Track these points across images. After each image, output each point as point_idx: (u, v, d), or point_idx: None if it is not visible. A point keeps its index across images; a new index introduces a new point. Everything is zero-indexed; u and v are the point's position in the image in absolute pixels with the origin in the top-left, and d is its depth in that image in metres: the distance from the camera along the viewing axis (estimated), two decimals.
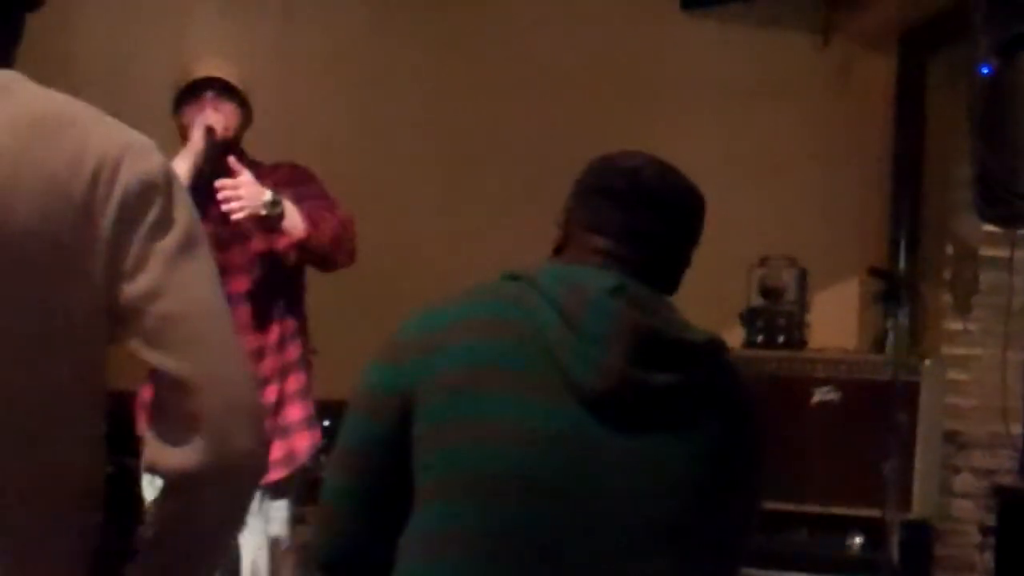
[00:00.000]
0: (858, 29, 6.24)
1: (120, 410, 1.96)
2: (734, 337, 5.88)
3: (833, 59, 6.35)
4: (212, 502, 1.90)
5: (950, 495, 5.72)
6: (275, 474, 4.17)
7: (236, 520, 1.98)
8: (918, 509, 5.41)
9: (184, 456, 1.84)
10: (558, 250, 2.38)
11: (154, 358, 1.84)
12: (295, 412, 4.30)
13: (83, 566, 1.89)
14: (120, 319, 1.85)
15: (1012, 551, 4.79)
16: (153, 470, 1.87)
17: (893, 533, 4.97)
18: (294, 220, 4.10)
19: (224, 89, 4.24)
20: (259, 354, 4.22)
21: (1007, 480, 5.33)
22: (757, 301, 6.00)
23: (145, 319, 1.84)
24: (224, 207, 4.03)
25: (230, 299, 4.17)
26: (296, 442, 4.28)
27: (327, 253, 4.20)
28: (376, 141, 6.11)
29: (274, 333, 4.26)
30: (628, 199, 2.32)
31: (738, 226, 5.73)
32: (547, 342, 2.19)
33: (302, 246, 4.13)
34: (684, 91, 6.35)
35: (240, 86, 4.27)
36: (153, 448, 1.87)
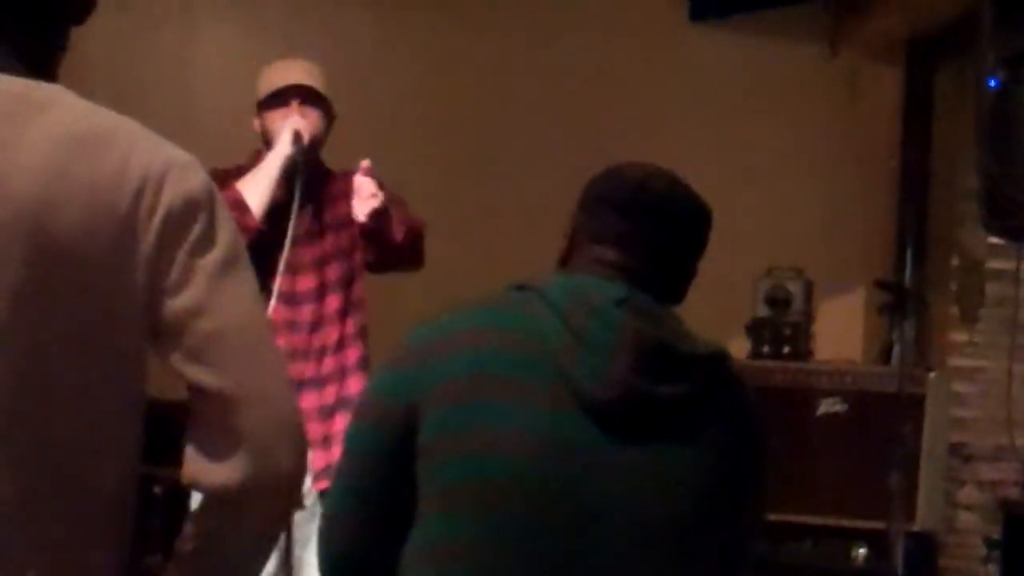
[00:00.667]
0: (865, 40, 6.25)
1: (168, 421, 1.96)
2: (740, 348, 5.88)
3: (840, 70, 6.36)
4: (252, 518, 1.90)
5: (955, 507, 5.71)
6: (325, 483, 4.14)
7: (274, 536, 1.98)
8: (923, 521, 5.41)
9: (226, 472, 1.85)
10: (564, 260, 2.38)
11: (196, 374, 1.85)
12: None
13: None
14: (162, 335, 1.85)
15: (1017, 564, 4.79)
16: (194, 485, 1.87)
17: (898, 545, 4.97)
18: (392, 225, 4.20)
19: (310, 96, 4.27)
20: (320, 353, 4.26)
21: (1012, 493, 5.33)
22: (763, 312, 6.01)
23: (187, 336, 1.84)
24: (361, 208, 4.10)
25: (295, 297, 4.19)
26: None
27: (410, 257, 4.32)
28: (380, 149, 6.09)
29: (335, 333, 4.28)
30: (634, 210, 2.32)
31: (744, 237, 5.74)
32: (553, 352, 2.20)
33: (395, 249, 4.22)
34: (692, 101, 6.36)
35: (326, 93, 4.30)
36: (194, 463, 1.87)
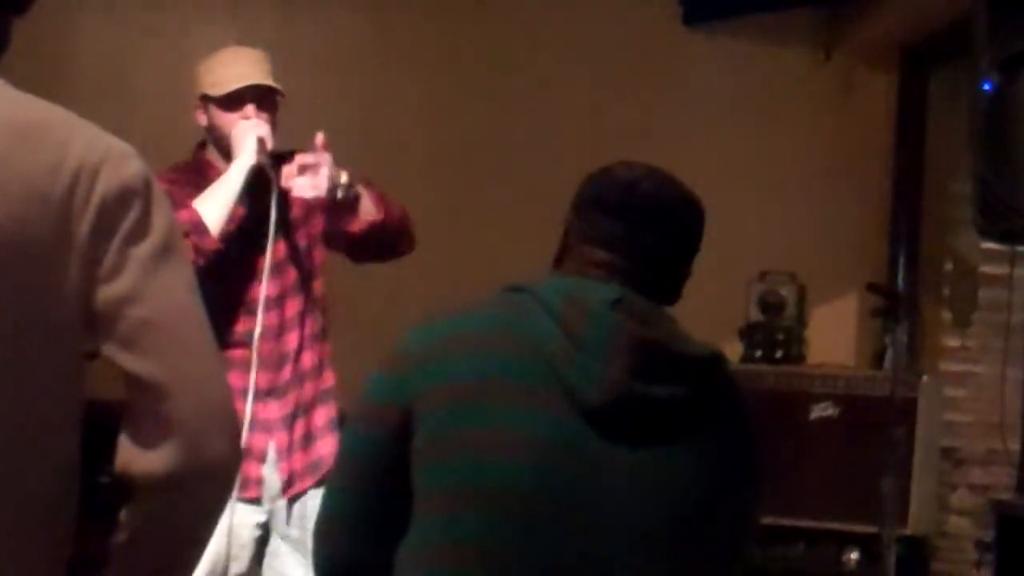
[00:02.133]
0: (859, 45, 6.25)
1: (108, 419, 1.95)
2: (733, 352, 5.88)
3: (834, 75, 6.36)
4: (185, 507, 1.89)
5: (947, 511, 5.71)
6: (303, 484, 4.10)
7: (209, 526, 1.96)
8: (915, 525, 5.41)
9: (157, 460, 1.84)
10: (558, 261, 2.38)
11: (128, 362, 1.85)
12: (323, 415, 4.18)
13: (58, 574, 1.89)
14: (96, 324, 1.85)
15: (1009, 568, 4.79)
16: (126, 473, 1.87)
17: (890, 549, 4.96)
18: (366, 202, 4.03)
19: (265, 94, 4.11)
20: (281, 361, 4.12)
21: (1004, 496, 5.32)
22: (756, 316, 6.01)
23: (120, 324, 1.84)
24: (299, 189, 3.96)
25: (285, 295, 4.03)
26: (321, 449, 4.14)
27: (397, 236, 4.15)
28: (376, 149, 6.10)
29: (313, 325, 4.16)
30: (627, 211, 2.32)
31: (737, 241, 5.74)
32: (548, 354, 2.20)
33: (377, 228, 4.05)
34: (685, 105, 6.35)
35: (280, 89, 4.13)
36: (126, 452, 1.86)
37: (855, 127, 6.33)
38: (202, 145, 4.21)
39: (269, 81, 4.10)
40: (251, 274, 4.03)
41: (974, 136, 4.26)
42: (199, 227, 3.90)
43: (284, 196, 4.07)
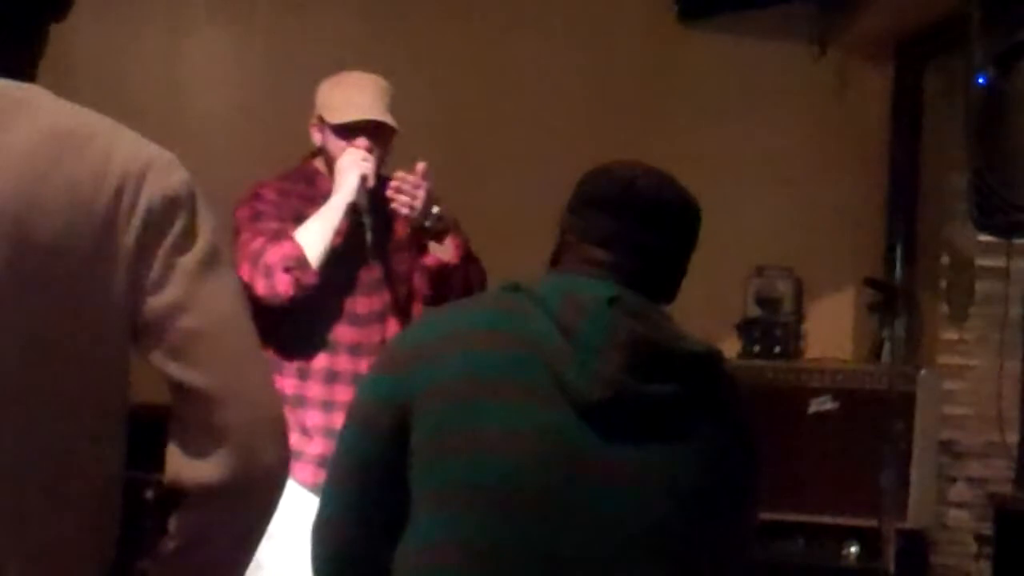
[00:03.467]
0: (854, 39, 6.25)
1: (159, 425, 1.95)
2: (730, 347, 5.89)
3: (829, 69, 6.36)
4: (235, 516, 1.90)
5: (946, 504, 5.72)
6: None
7: (258, 535, 1.97)
8: (914, 519, 5.41)
9: (209, 469, 1.85)
10: (554, 260, 2.38)
11: (177, 372, 1.85)
12: None
13: None
14: (143, 334, 1.86)
15: (1008, 561, 4.80)
16: (177, 483, 1.87)
17: (889, 543, 4.97)
18: (447, 242, 4.14)
19: (379, 129, 4.13)
20: None
21: (1003, 490, 5.33)
22: (753, 311, 6.01)
23: (168, 333, 1.85)
24: (395, 204, 4.05)
25: (358, 318, 4.04)
26: None
27: (452, 290, 4.17)
28: None
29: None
30: (623, 209, 2.32)
31: (734, 236, 5.74)
32: (545, 352, 2.20)
33: (445, 271, 4.15)
34: (681, 101, 6.36)
35: (395, 126, 4.16)
36: (177, 462, 1.87)
37: (851, 122, 6.33)
38: (311, 156, 4.26)
39: (385, 118, 4.13)
40: (350, 291, 4.10)
41: (969, 130, 4.26)
42: (301, 261, 3.95)
43: (384, 232, 4.15)
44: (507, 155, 6.28)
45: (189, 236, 1.87)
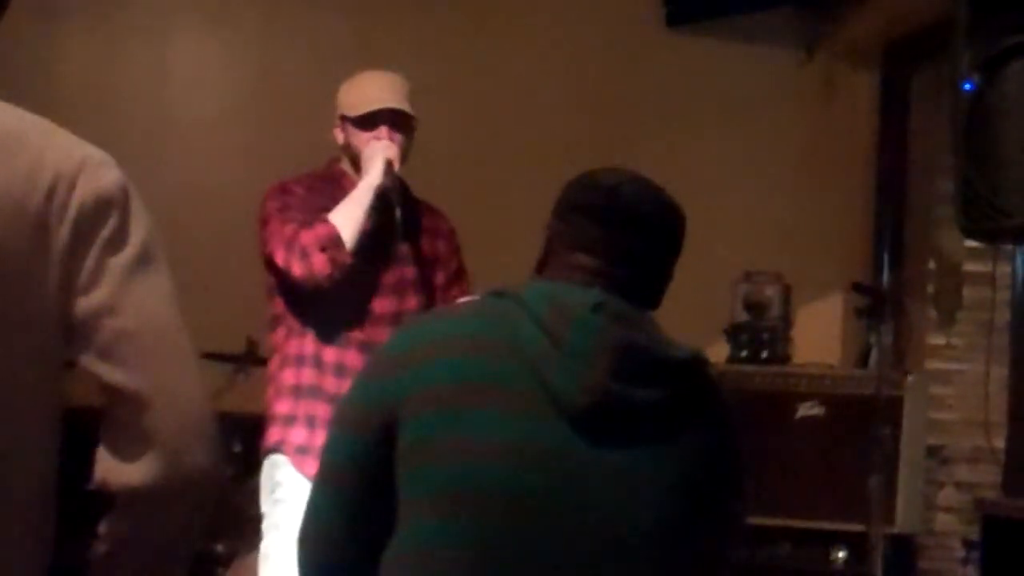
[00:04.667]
0: (842, 44, 6.26)
1: (88, 426, 1.94)
2: (718, 352, 5.89)
3: (817, 74, 6.38)
4: (165, 519, 1.88)
5: (933, 509, 5.73)
6: None
7: (190, 536, 1.95)
8: (902, 523, 5.42)
9: (137, 472, 1.83)
10: (540, 267, 2.38)
11: (107, 373, 1.83)
12: None
13: None
14: (75, 335, 1.83)
15: (995, 565, 4.80)
16: (105, 486, 1.85)
17: (877, 547, 4.98)
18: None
19: (400, 117, 4.20)
20: None
21: (990, 494, 5.33)
22: (741, 316, 6.02)
23: (99, 334, 1.82)
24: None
25: (403, 315, 4.07)
26: None
27: None
28: None
29: None
30: (608, 216, 2.32)
31: (722, 241, 5.75)
32: (531, 358, 2.20)
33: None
34: (669, 106, 6.37)
35: (412, 111, 4.22)
36: (105, 464, 1.85)
37: (838, 126, 6.35)
38: (336, 159, 4.30)
39: (404, 107, 4.19)
40: (372, 288, 4.13)
41: (956, 136, 4.27)
42: (336, 240, 3.99)
43: (410, 220, 4.20)
44: (494, 160, 6.29)
45: (121, 236, 1.84)
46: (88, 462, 1.89)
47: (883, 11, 5.80)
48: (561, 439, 2.18)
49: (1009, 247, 5.11)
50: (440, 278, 4.30)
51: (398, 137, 4.17)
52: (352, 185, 4.15)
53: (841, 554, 5.48)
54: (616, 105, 6.32)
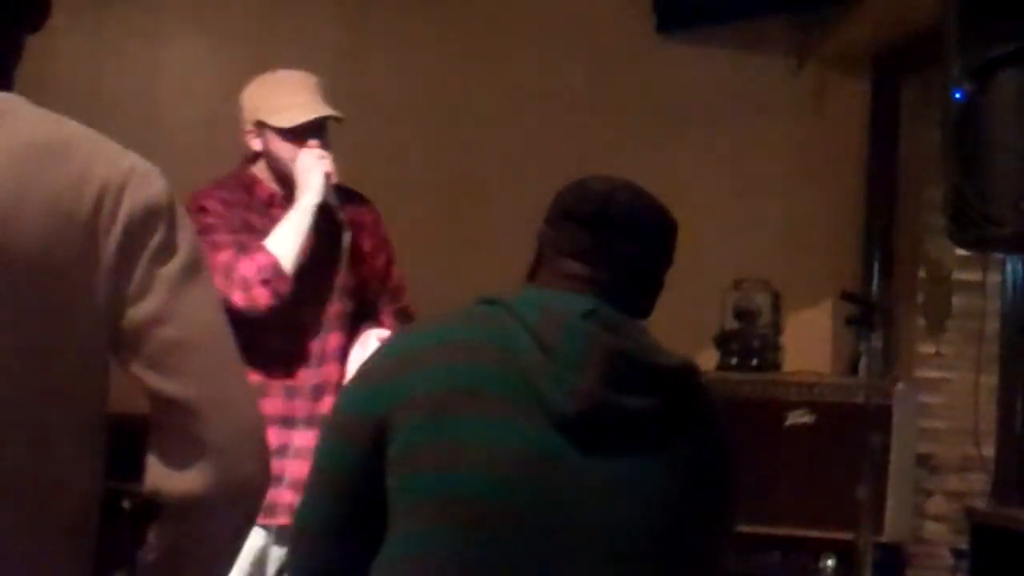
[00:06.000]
0: (832, 52, 6.27)
1: (137, 435, 1.94)
2: (708, 360, 5.89)
3: (807, 82, 6.38)
4: (215, 527, 1.90)
5: (923, 518, 5.73)
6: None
7: (238, 545, 1.97)
8: (891, 532, 5.42)
9: (189, 481, 1.85)
10: (532, 274, 2.38)
11: (157, 382, 1.85)
12: None
13: None
14: (123, 344, 1.85)
15: (984, 574, 4.80)
16: (157, 494, 1.87)
17: (866, 556, 4.98)
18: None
19: (322, 124, 4.06)
20: (340, 379, 4.07)
21: (979, 503, 5.34)
22: (731, 324, 6.01)
23: (148, 344, 1.84)
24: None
25: (328, 324, 4.00)
26: None
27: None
28: (352, 166, 6.10)
29: (336, 373, 4.11)
30: (599, 223, 2.32)
31: (712, 249, 5.75)
32: (522, 366, 2.20)
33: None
34: (659, 114, 6.36)
35: (342, 117, 4.09)
36: (156, 473, 1.87)
37: (828, 135, 6.35)
38: (248, 161, 4.16)
39: (335, 112, 4.07)
40: (301, 300, 3.99)
41: (946, 145, 4.27)
42: (277, 271, 3.89)
43: (349, 230, 4.08)
44: (481, 167, 6.28)
45: (169, 246, 1.86)
46: (129, 470, 1.90)
47: (874, 19, 5.80)
48: (551, 447, 2.18)
49: (999, 256, 5.11)
50: (364, 271, 4.17)
51: (327, 144, 4.05)
52: (265, 191, 4.06)
53: (830, 562, 5.48)
54: (606, 112, 6.31)
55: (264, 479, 1.93)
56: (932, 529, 5.73)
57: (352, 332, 4.15)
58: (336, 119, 4.08)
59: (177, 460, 1.85)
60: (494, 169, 6.26)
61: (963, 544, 5.28)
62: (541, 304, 2.25)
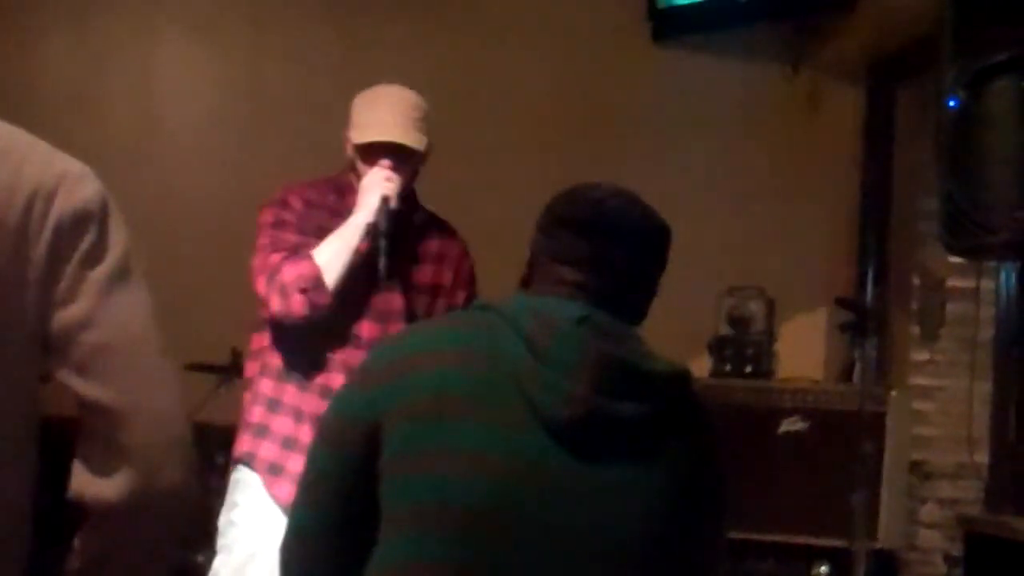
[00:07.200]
0: (827, 60, 6.28)
1: (61, 438, 1.93)
2: (702, 366, 5.90)
3: (802, 90, 6.39)
4: (138, 534, 1.87)
5: (916, 525, 5.73)
6: None
7: (164, 553, 1.94)
8: (884, 539, 5.42)
9: (112, 487, 1.82)
10: (525, 281, 2.38)
11: (83, 387, 1.82)
12: None
13: None
14: (52, 348, 1.83)
15: None
16: (80, 500, 1.84)
17: (860, 563, 4.98)
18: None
19: (403, 149, 3.99)
20: None
21: (972, 510, 5.35)
22: (725, 330, 6.02)
23: (76, 348, 1.82)
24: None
25: (362, 342, 3.96)
26: None
27: None
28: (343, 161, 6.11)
29: None
30: (593, 230, 2.32)
31: (707, 255, 5.76)
32: (515, 372, 2.20)
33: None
34: (654, 121, 6.37)
35: (421, 146, 4.03)
36: (80, 478, 1.84)
37: (823, 142, 6.36)
38: (349, 166, 4.11)
39: (406, 140, 4.00)
40: (358, 312, 3.96)
41: (940, 152, 4.28)
42: (317, 283, 3.85)
43: (408, 248, 4.03)
44: (476, 174, 6.28)
45: (99, 250, 1.84)
46: (66, 474, 1.89)
47: (868, 27, 5.81)
48: (543, 452, 2.18)
49: (993, 263, 5.12)
50: (440, 307, 4.09)
51: (402, 172, 3.99)
52: (355, 201, 3.99)
53: (824, 569, 5.49)
54: (601, 120, 6.32)
55: (188, 487, 1.90)
56: (925, 536, 5.73)
57: None
58: (409, 149, 4.01)
59: (101, 466, 1.83)
60: (487, 176, 6.26)
61: (956, 551, 5.29)
62: (534, 310, 2.25)
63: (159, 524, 1.88)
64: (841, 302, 5.38)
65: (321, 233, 3.94)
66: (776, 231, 6.29)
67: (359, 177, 4.02)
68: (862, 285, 6.14)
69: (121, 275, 1.85)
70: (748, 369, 5.95)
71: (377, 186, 3.94)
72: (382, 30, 6.38)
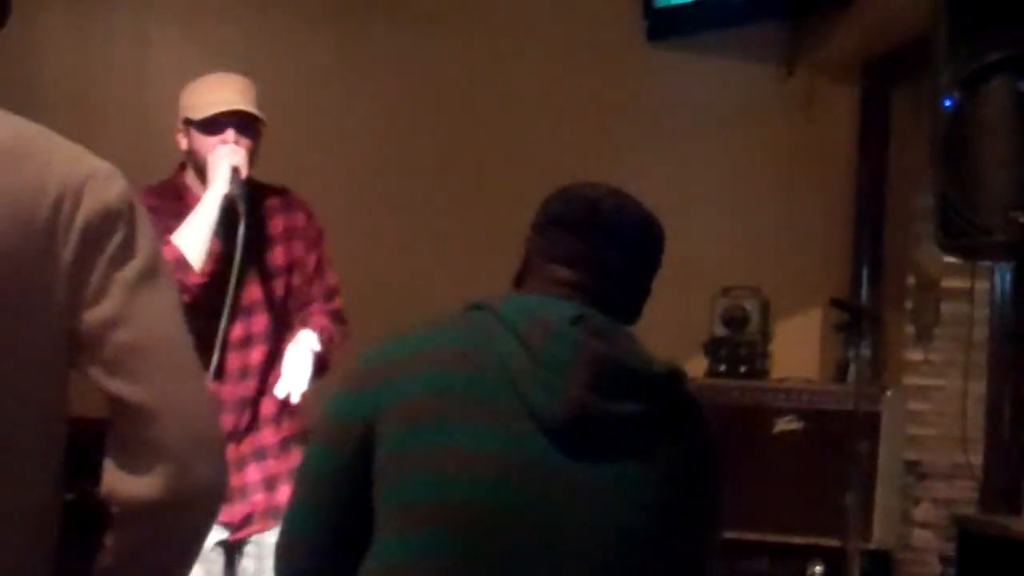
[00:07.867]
0: (822, 60, 6.27)
1: (83, 437, 1.94)
2: (697, 366, 5.89)
3: (797, 90, 6.38)
4: (171, 532, 1.89)
5: (910, 525, 5.73)
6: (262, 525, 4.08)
7: (194, 551, 1.96)
8: (879, 539, 5.42)
9: (144, 485, 1.83)
10: (519, 280, 2.38)
11: (114, 386, 1.83)
12: (283, 464, 4.15)
13: None
14: (81, 347, 1.83)
15: None
16: (112, 498, 1.85)
17: (854, 562, 4.98)
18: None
19: (245, 120, 4.06)
20: (259, 393, 4.12)
21: (967, 510, 5.34)
22: (720, 330, 6.02)
23: (105, 347, 1.82)
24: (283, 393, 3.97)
25: (251, 338, 4.02)
26: (280, 496, 4.07)
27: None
28: (339, 174, 6.11)
29: (278, 372, 4.07)
30: (587, 229, 2.33)
31: (701, 255, 5.76)
32: (509, 372, 2.20)
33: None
34: (649, 121, 6.37)
35: (259, 113, 4.08)
36: (112, 476, 1.85)
37: (818, 142, 6.35)
38: (182, 167, 4.18)
39: (251, 108, 4.06)
40: (219, 311, 3.96)
41: (935, 152, 4.28)
42: (182, 263, 3.88)
43: (257, 229, 4.06)
44: (472, 176, 6.28)
45: (127, 249, 1.85)
46: (95, 472, 1.89)
47: (863, 27, 5.80)
48: (538, 452, 2.18)
49: (988, 264, 5.12)
50: (297, 279, 4.16)
51: (244, 141, 4.04)
52: (195, 200, 4.04)
53: (818, 569, 5.49)
54: (596, 119, 6.32)
55: (220, 485, 1.92)
56: (920, 536, 5.73)
57: (281, 341, 4.12)
58: (253, 117, 4.07)
59: (133, 464, 1.84)
60: (485, 176, 6.26)
61: (950, 551, 5.28)
62: (529, 310, 2.25)
63: (191, 521, 1.91)
64: (836, 302, 5.38)
65: (169, 233, 3.94)
66: (771, 231, 6.29)
67: (198, 165, 4.07)
68: (857, 285, 6.14)
69: (149, 274, 1.86)
70: (743, 369, 5.95)
71: (225, 157, 3.99)
72: (377, 32, 6.37)
